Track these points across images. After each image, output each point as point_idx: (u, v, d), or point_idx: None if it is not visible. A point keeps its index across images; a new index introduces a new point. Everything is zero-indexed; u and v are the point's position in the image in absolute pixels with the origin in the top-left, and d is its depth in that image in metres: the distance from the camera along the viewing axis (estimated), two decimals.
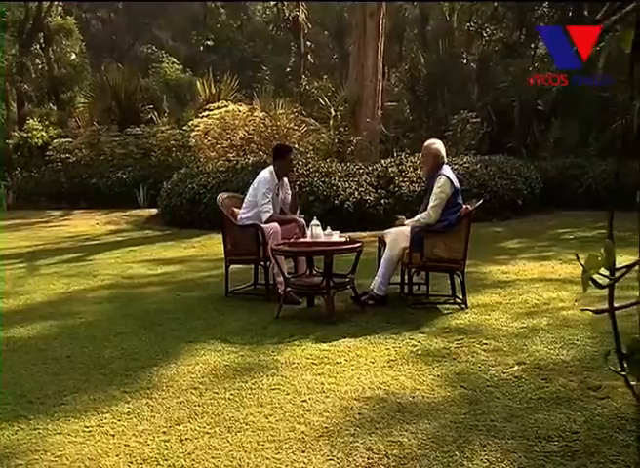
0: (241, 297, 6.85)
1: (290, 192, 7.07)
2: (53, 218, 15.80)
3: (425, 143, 6.54)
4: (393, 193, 12.04)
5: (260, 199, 6.72)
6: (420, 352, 4.91)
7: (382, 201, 11.92)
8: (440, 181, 6.16)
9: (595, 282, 1.22)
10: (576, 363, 4.54)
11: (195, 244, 10.89)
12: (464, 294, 6.19)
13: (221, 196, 7.24)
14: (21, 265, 9.45)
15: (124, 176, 17.25)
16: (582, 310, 5.56)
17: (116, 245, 11.23)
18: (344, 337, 5.32)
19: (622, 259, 1.20)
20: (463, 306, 6.12)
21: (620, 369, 1.30)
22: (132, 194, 16.73)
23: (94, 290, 7.51)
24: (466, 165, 12.91)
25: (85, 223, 14.58)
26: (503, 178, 12.75)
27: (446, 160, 6.44)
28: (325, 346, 5.11)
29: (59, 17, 29.53)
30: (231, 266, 7.05)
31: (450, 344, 5.06)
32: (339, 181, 12.09)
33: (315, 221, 6.34)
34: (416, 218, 6.35)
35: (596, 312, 1.19)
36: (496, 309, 6.04)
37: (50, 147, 19.29)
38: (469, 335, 5.25)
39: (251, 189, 6.93)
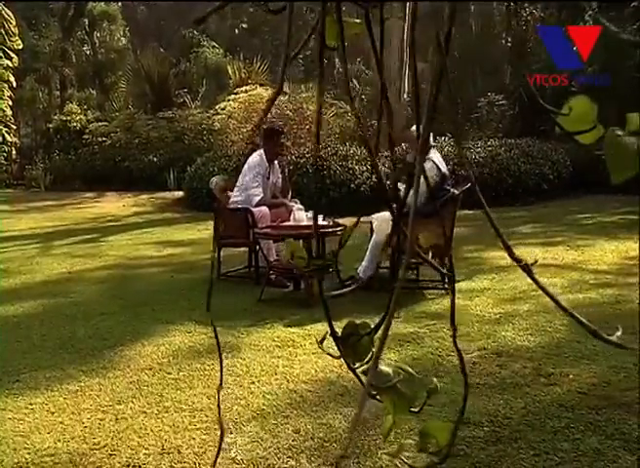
0: (233, 280, 6.90)
1: (281, 176, 7.06)
2: (84, 200, 16.12)
3: (411, 129, 6.47)
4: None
5: (249, 182, 6.73)
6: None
7: (399, 184, 11.80)
8: (426, 165, 6.09)
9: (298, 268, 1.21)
10: (538, 349, 4.47)
11: (209, 226, 10.92)
12: (450, 280, 6.14)
13: (215, 179, 7.29)
14: (36, 245, 9.70)
15: (155, 160, 17.45)
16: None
17: (133, 226, 11.44)
18: (319, 321, 5.30)
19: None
20: (449, 291, 6.07)
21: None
22: (163, 177, 16.90)
23: (94, 270, 7.67)
24: (489, 148, 12.72)
25: (113, 205, 14.84)
26: (528, 163, 12.49)
27: (434, 144, 6.36)
28: (294, 329, 5.13)
29: (102, 3, 29.94)
30: (232, 249, 7.14)
31: (419, 329, 5.02)
32: (356, 165, 12.02)
33: (299, 205, 6.33)
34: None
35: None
36: (481, 295, 5.97)
37: (87, 130, 19.63)
38: (442, 321, 5.19)
39: (242, 173, 6.94)
